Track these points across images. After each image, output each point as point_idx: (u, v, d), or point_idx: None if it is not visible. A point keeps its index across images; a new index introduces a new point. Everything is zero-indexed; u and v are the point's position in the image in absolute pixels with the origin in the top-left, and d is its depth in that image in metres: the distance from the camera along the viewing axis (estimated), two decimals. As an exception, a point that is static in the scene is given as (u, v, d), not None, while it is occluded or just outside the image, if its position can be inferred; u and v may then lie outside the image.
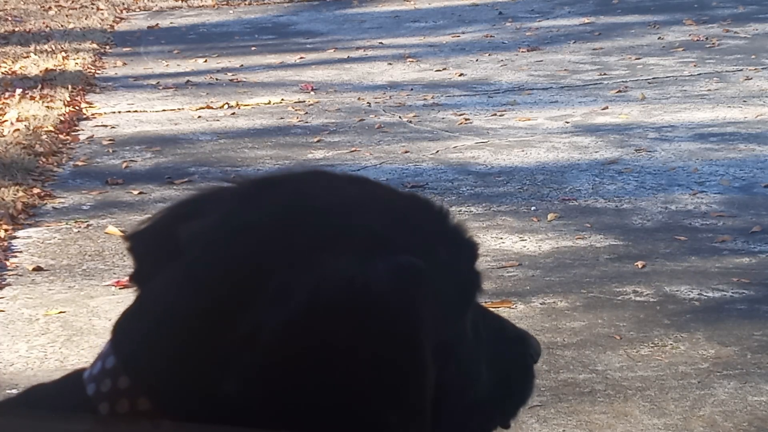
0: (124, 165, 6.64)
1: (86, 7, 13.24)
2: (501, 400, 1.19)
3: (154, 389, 0.99)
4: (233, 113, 7.94)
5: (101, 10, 12.97)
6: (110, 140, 7.22)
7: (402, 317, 0.96)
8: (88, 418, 0.98)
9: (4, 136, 7.10)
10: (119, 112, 8.05)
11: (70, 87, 8.61)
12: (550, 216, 5.48)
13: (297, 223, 1.02)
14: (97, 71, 9.57)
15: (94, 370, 1.04)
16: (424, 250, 1.04)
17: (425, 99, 8.13)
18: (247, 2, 13.27)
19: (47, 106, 7.90)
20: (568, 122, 7.29)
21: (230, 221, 1.04)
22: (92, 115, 7.98)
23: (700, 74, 8.51)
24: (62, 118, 7.64)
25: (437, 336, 1.02)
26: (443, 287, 1.05)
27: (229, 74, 9.30)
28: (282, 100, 8.27)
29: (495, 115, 7.59)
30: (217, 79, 9.12)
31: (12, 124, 7.41)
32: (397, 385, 0.96)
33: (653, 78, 8.47)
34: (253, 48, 10.52)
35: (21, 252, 5.23)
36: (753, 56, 8.97)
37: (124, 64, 9.95)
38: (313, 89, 8.59)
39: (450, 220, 1.13)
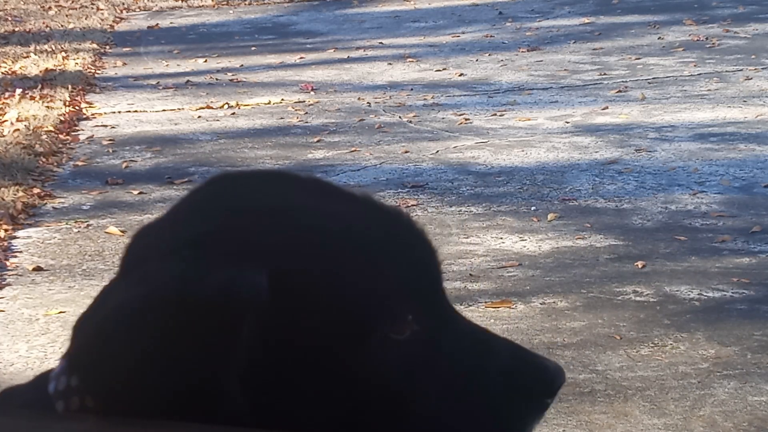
0: (124, 165, 6.64)
1: (86, 7, 13.24)
2: None
3: (94, 387, 1.01)
4: (233, 113, 7.94)
5: (101, 10, 12.97)
6: (110, 140, 7.22)
7: (209, 327, 0.97)
8: (88, 418, 0.99)
9: (4, 136, 7.10)
10: (119, 112, 8.05)
11: (70, 87, 8.61)
12: (550, 216, 5.48)
13: (184, 225, 1.06)
14: (97, 71, 9.57)
15: (57, 368, 1.07)
16: (311, 260, 1.02)
17: (425, 99, 8.13)
18: (247, 2, 13.27)
19: (47, 106, 7.90)
20: (568, 122, 7.29)
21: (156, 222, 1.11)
22: (92, 115, 7.98)
23: (700, 74, 8.51)
24: (62, 118, 7.64)
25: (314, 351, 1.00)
26: (343, 294, 1.02)
27: (229, 74, 9.30)
28: (282, 100, 8.28)
29: (495, 115, 7.59)
30: (217, 79, 9.12)
31: (12, 124, 7.41)
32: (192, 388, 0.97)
33: (653, 78, 8.47)
34: (253, 48, 10.52)
35: (21, 252, 5.23)
36: (753, 56, 8.97)
37: (124, 64, 9.95)
38: (313, 89, 8.59)
39: (397, 229, 1.09)
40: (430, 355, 1.06)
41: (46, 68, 9.36)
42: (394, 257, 1.06)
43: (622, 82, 8.39)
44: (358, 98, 8.25)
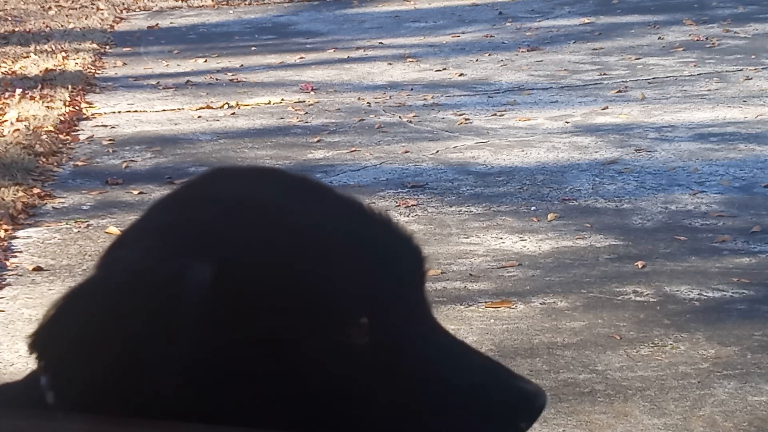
0: (124, 165, 6.64)
1: (86, 7, 13.24)
2: None
3: (49, 361, 1.04)
4: (233, 113, 7.94)
5: (101, 10, 12.97)
6: (110, 140, 7.22)
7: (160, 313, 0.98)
8: (89, 418, 0.99)
9: (4, 136, 7.10)
10: (119, 112, 8.05)
11: (70, 87, 8.61)
12: (550, 216, 5.48)
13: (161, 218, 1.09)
14: (97, 71, 9.57)
15: None
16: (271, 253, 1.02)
17: (425, 99, 8.13)
18: (247, 2, 13.27)
19: (47, 106, 7.90)
20: (568, 122, 7.29)
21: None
22: (92, 115, 7.98)
23: (700, 74, 8.51)
24: (62, 118, 7.64)
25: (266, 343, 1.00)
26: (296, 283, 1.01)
27: (229, 74, 9.30)
28: (282, 100, 8.28)
29: (495, 115, 7.59)
30: (217, 79, 9.12)
31: (12, 124, 7.41)
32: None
33: (653, 78, 8.47)
34: (253, 48, 10.52)
35: (21, 252, 5.23)
36: (753, 56, 8.97)
37: (124, 64, 9.95)
38: (313, 89, 8.59)
39: (375, 229, 1.08)
40: (388, 364, 1.02)
41: (46, 68, 9.36)
42: (357, 261, 1.03)
43: (622, 82, 8.39)
44: (358, 98, 8.25)
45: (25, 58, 9.89)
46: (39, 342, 1.04)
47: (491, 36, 10.53)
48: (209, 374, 1.00)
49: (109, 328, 0.99)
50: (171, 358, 0.97)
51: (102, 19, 12.29)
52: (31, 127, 7.26)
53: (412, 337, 1.04)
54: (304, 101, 8.20)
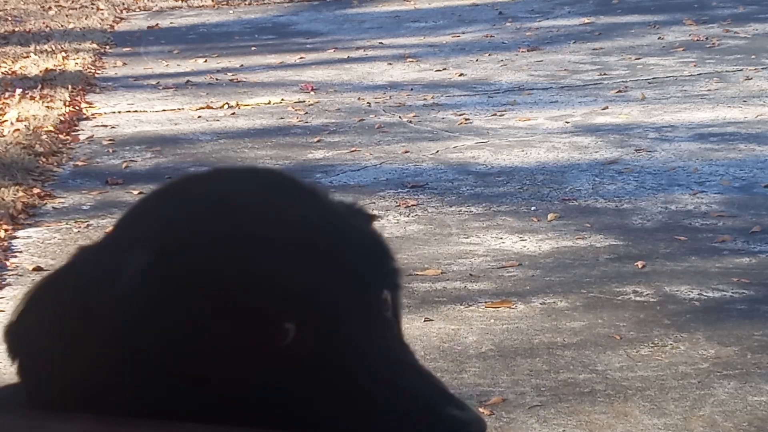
0: (124, 165, 6.64)
1: (86, 7, 13.24)
2: None
3: (14, 352, 1.05)
4: (233, 113, 7.94)
5: (101, 10, 12.97)
6: (110, 140, 7.22)
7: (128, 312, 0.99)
8: (88, 418, 0.99)
9: (4, 136, 7.10)
10: (119, 112, 8.05)
11: (70, 87, 8.61)
12: (550, 216, 5.48)
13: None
14: (97, 71, 9.57)
15: None
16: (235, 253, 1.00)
17: (425, 99, 8.13)
18: (247, 2, 13.27)
19: (47, 106, 7.90)
20: (568, 122, 7.29)
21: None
22: (92, 115, 7.98)
23: (700, 74, 8.51)
24: (62, 118, 7.64)
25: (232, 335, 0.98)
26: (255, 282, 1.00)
27: (229, 74, 9.30)
28: (282, 100, 8.27)
29: (495, 115, 7.59)
30: (217, 79, 9.12)
31: (12, 124, 7.41)
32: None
33: (653, 78, 8.47)
34: (253, 48, 10.51)
35: (21, 252, 5.23)
36: (753, 56, 8.97)
37: (124, 64, 9.95)
38: (313, 89, 8.59)
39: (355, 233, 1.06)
40: (310, 375, 0.98)
41: (46, 68, 9.36)
42: (297, 265, 1.00)
43: (622, 82, 8.39)
44: (358, 98, 8.25)
45: (25, 58, 9.89)
46: (9, 342, 1.06)
47: (491, 36, 10.53)
48: (156, 370, 0.99)
49: (58, 329, 1.00)
50: (112, 355, 0.98)
51: (102, 19, 12.29)
52: (31, 127, 7.26)
53: (343, 350, 0.99)
54: (304, 101, 8.20)
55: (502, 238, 5.22)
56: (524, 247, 5.10)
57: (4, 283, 4.86)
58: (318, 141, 7.06)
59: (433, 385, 0.99)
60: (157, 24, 12.11)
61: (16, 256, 5.17)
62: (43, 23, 12.01)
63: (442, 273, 4.79)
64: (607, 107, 7.64)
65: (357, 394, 0.98)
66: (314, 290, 1.00)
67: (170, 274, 1.00)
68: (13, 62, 9.71)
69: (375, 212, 5.63)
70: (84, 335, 0.99)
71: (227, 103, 8.17)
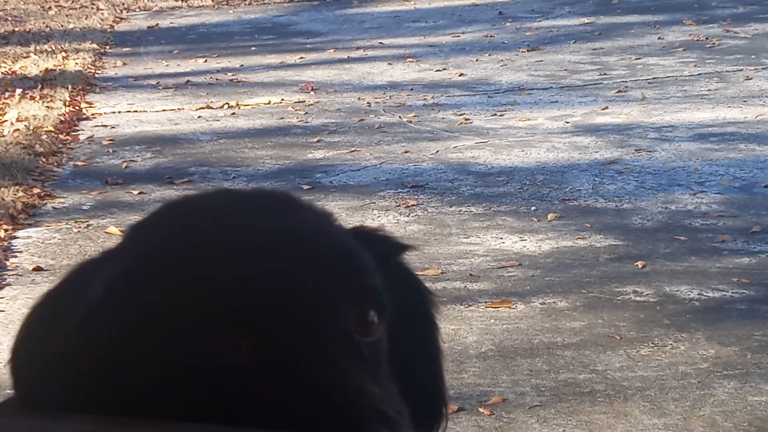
0: (124, 165, 6.64)
1: (86, 7, 13.24)
2: None
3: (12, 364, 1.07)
4: (233, 113, 7.94)
5: (101, 10, 12.98)
6: (110, 140, 7.22)
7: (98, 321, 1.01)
8: (89, 418, 0.99)
9: (4, 136, 7.10)
10: (119, 112, 8.05)
11: (70, 87, 8.61)
12: (550, 216, 5.48)
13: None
14: (97, 71, 9.57)
15: None
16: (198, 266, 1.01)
17: (425, 99, 8.13)
18: (247, 2, 13.27)
19: (47, 106, 7.90)
20: (568, 122, 7.29)
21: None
22: (92, 115, 7.98)
23: (700, 74, 8.51)
24: (62, 118, 7.64)
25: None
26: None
27: (229, 74, 9.30)
28: (282, 100, 8.28)
29: (495, 115, 7.59)
30: (217, 79, 9.12)
31: (12, 124, 7.41)
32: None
33: (653, 78, 8.47)
34: (253, 48, 10.52)
35: (21, 252, 5.23)
36: (753, 56, 8.97)
37: (124, 64, 9.95)
38: (313, 89, 8.59)
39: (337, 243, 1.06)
40: (254, 386, 0.98)
41: (46, 68, 9.36)
42: (254, 279, 0.99)
43: (622, 82, 8.39)
44: (358, 98, 8.25)
45: (25, 58, 9.89)
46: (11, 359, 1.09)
47: (491, 36, 10.53)
48: (124, 384, 1.01)
49: (38, 340, 1.05)
50: (81, 361, 1.01)
51: (102, 19, 12.29)
52: (31, 127, 7.26)
53: (287, 368, 0.98)
54: (304, 101, 8.20)
55: (502, 238, 5.22)
56: (524, 247, 5.10)
57: (4, 283, 4.86)
58: (318, 141, 7.06)
59: (367, 406, 0.96)
60: (157, 24, 12.11)
61: (16, 256, 5.17)
62: (43, 23, 12.02)
63: (442, 273, 4.79)
64: (607, 107, 7.64)
65: (292, 414, 0.97)
66: (269, 305, 0.99)
67: (131, 284, 1.02)
68: (13, 62, 9.71)
69: (375, 212, 5.64)
70: (56, 341, 1.02)
71: (227, 103, 8.17)
